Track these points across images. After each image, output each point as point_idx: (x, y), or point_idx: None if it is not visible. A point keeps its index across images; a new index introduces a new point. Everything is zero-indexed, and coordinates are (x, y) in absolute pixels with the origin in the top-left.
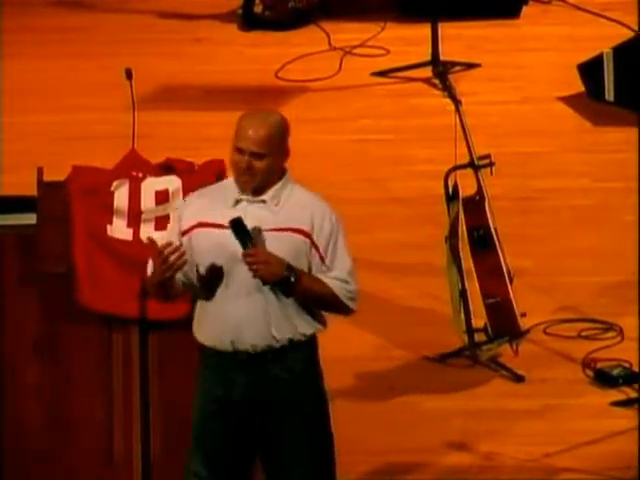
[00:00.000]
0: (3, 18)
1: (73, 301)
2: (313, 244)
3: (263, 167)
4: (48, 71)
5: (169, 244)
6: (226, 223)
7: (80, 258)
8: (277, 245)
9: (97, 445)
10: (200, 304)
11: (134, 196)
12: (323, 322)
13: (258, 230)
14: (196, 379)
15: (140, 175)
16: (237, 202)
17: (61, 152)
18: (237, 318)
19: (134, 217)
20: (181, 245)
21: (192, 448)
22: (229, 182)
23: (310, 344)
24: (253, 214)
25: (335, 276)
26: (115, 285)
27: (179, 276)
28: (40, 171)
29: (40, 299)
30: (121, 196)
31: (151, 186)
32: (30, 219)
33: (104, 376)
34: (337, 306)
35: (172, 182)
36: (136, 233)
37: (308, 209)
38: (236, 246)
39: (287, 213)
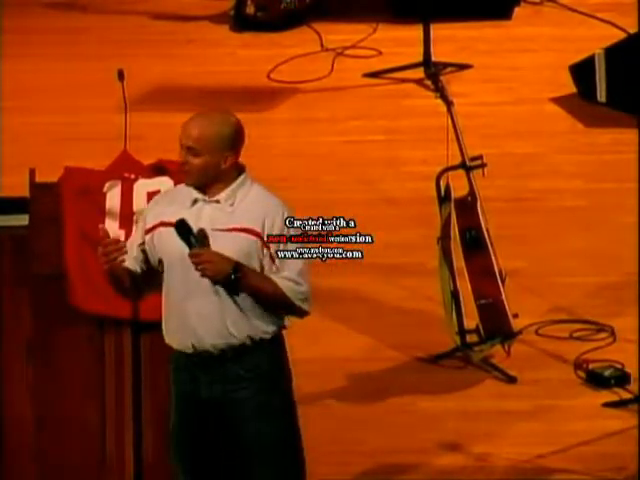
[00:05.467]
0: (1, 19)
1: (66, 302)
2: (264, 244)
3: (198, 164)
4: (44, 72)
5: (108, 236)
6: None
7: (72, 259)
8: (228, 245)
9: (89, 446)
10: (164, 307)
11: (126, 197)
12: (284, 320)
13: (203, 231)
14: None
15: (132, 176)
16: (194, 202)
17: (58, 153)
18: (195, 319)
19: (126, 218)
20: (143, 243)
21: (173, 454)
22: None
23: (275, 343)
24: (207, 214)
25: (285, 276)
26: (107, 286)
27: (137, 269)
28: (32, 172)
29: (33, 300)
30: (113, 197)
31: (143, 187)
32: (25, 220)
33: (96, 377)
34: (289, 307)
35: (164, 183)
36: (128, 234)
37: (261, 209)
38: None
39: (240, 213)
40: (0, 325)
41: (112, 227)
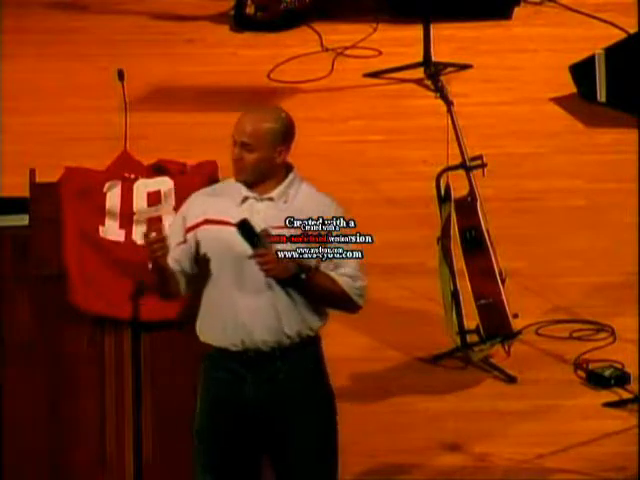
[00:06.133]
0: (1, 19)
1: (66, 302)
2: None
3: (252, 160)
4: (44, 72)
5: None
6: (233, 220)
7: (72, 259)
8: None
9: (89, 446)
10: (205, 305)
11: (126, 197)
12: (327, 315)
13: (266, 231)
14: (200, 382)
15: (132, 176)
16: (244, 200)
17: (58, 153)
18: (247, 316)
19: (126, 218)
20: (184, 242)
21: (197, 456)
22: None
23: (317, 340)
24: (260, 212)
25: (344, 273)
26: (107, 286)
27: (178, 268)
28: (32, 172)
29: (33, 300)
30: (113, 197)
31: (143, 187)
32: (25, 220)
33: (96, 377)
34: (346, 303)
35: (164, 183)
36: (128, 234)
37: (315, 206)
38: (243, 244)
39: (295, 211)
40: (0, 325)
41: (112, 227)
